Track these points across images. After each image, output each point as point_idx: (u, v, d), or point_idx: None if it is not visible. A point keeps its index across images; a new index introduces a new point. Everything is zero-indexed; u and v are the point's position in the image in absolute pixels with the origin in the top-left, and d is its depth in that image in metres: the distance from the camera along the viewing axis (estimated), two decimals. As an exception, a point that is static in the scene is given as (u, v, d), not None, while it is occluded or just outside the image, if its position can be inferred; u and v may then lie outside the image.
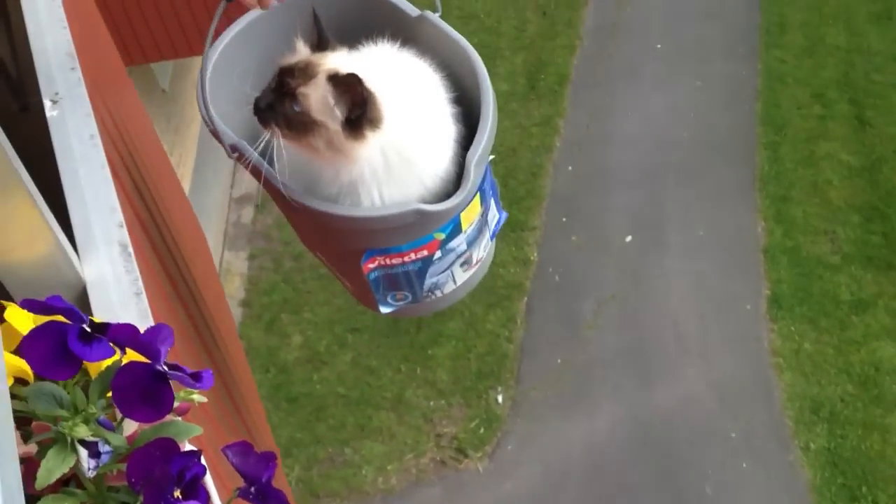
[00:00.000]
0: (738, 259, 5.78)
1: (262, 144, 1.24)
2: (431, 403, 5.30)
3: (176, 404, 0.78)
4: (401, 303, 1.38)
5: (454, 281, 1.38)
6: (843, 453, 4.92)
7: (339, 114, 1.23)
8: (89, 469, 0.74)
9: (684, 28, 7.09)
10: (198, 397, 0.84)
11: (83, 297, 0.99)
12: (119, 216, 1.05)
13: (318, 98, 1.24)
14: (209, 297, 1.82)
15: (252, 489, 0.82)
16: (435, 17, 1.40)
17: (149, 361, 0.75)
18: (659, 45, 7.03)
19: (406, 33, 1.39)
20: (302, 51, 1.31)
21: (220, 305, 2.27)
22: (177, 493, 0.73)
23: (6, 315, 0.80)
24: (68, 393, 0.76)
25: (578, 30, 7.24)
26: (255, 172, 1.26)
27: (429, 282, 1.33)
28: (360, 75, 1.22)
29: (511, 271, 5.87)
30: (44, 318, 0.74)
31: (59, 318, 0.74)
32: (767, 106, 6.53)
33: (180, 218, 1.87)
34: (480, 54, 1.39)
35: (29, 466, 0.73)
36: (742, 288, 5.64)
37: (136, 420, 0.77)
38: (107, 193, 1.07)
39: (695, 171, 6.22)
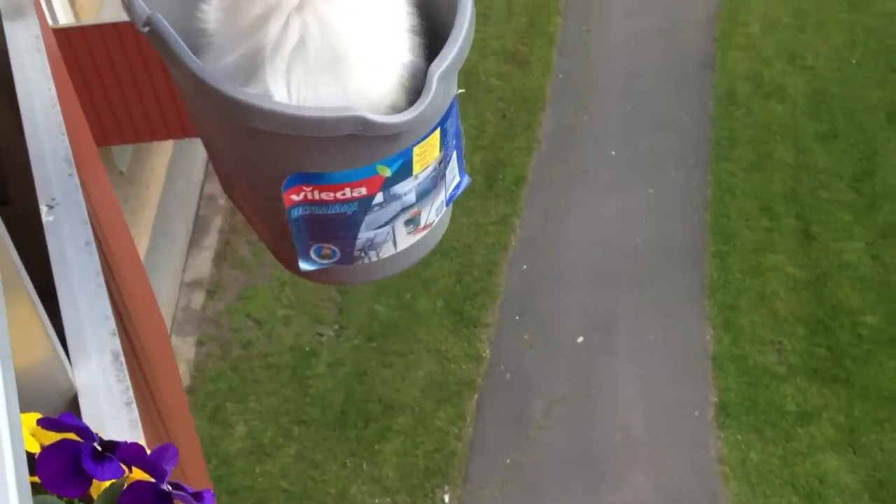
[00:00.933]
0: (687, 365, 5.84)
1: None
2: (377, 501, 5.20)
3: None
4: (326, 261, 1.16)
5: (394, 243, 1.17)
6: (789, 567, 4.93)
7: None
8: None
9: (639, 137, 7.30)
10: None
11: (74, 404, 0.98)
12: (112, 324, 1.04)
13: None
14: (170, 396, 1.79)
15: None
16: None
17: (153, 480, 0.75)
18: (613, 152, 7.21)
19: None
20: None
21: (181, 404, 2.23)
22: None
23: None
24: (72, 509, 0.75)
25: (536, 133, 7.41)
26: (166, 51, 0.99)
27: (363, 236, 1.13)
28: None
29: (462, 367, 5.86)
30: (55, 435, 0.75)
31: (71, 435, 0.75)
32: (717, 216, 6.70)
33: (145, 311, 1.84)
34: None
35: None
36: (690, 394, 5.69)
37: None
38: (100, 301, 1.06)
39: (646, 275, 6.32)
